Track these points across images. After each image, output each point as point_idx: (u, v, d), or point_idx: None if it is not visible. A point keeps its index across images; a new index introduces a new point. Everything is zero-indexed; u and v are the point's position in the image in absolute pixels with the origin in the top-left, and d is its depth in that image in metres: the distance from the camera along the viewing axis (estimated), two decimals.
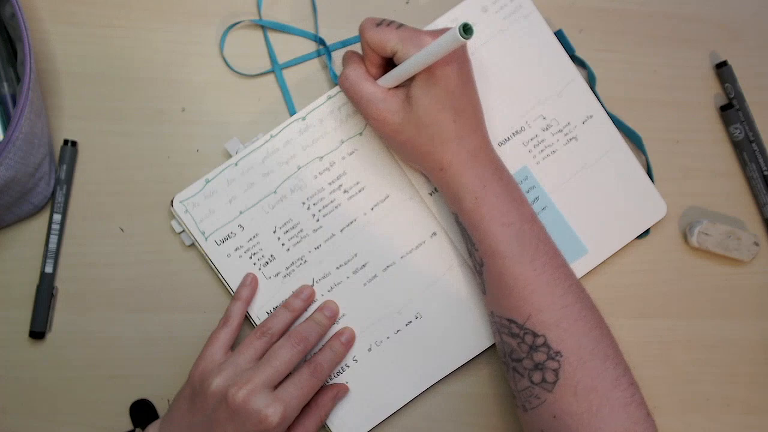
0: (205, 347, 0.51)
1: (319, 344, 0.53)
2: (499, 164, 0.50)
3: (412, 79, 0.48)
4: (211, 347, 0.51)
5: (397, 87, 0.49)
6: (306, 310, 0.54)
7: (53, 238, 0.54)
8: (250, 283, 0.54)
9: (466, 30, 0.41)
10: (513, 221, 0.48)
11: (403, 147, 0.50)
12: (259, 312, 0.54)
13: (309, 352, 0.53)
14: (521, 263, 0.47)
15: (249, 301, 0.53)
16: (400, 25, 0.48)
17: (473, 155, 0.49)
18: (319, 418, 0.52)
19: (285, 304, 0.53)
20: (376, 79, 0.50)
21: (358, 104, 0.50)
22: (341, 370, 0.55)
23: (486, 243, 0.48)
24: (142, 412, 0.54)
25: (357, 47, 0.58)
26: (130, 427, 0.54)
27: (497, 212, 0.48)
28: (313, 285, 0.55)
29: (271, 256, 0.54)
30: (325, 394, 0.53)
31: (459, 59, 0.48)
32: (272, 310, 0.54)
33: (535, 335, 0.47)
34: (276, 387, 0.48)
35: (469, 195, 0.49)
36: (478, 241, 0.49)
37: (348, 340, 0.54)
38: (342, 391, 0.54)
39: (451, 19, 0.57)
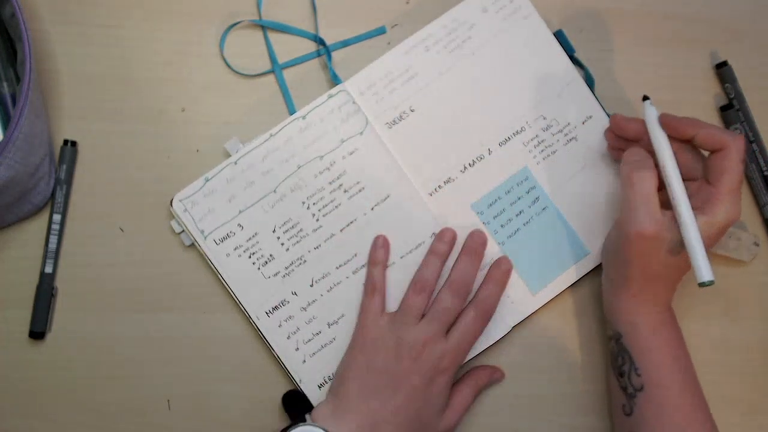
0: (361, 317, 0.53)
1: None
2: (674, 313, 0.54)
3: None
4: (370, 314, 0.53)
5: (663, 214, 0.49)
6: (451, 251, 0.55)
7: (53, 238, 0.54)
8: (383, 245, 0.55)
9: (705, 284, 0.48)
10: (682, 355, 0.52)
11: (629, 262, 0.51)
12: (258, 312, 0.54)
13: None
14: (684, 396, 0.51)
15: (386, 262, 0.54)
16: (741, 180, 0.49)
17: (667, 301, 0.53)
18: (476, 388, 0.54)
19: (432, 250, 0.54)
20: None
21: (632, 210, 0.49)
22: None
23: (656, 372, 0.50)
24: (295, 403, 0.54)
25: (357, 48, 0.58)
26: (131, 425, 0.54)
27: (671, 346, 0.51)
28: (312, 285, 0.55)
29: (271, 255, 0.54)
30: (485, 369, 0.55)
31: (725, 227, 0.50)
32: (271, 310, 0.54)
33: None
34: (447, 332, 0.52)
35: (649, 326, 0.51)
36: (645, 368, 0.51)
37: (507, 270, 0.55)
38: (499, 375, 0.56)
39: (451, 19, 0.57)
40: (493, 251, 0.56)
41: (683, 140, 0.51)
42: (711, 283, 0.47)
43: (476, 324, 0.52)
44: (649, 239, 0.49)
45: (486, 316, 0.53)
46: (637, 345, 0.51)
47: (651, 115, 0.52)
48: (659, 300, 0.52)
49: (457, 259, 0.54)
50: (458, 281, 0.53)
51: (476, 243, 0.55)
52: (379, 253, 0.54)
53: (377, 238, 0.55)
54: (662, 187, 0.50)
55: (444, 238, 0.55)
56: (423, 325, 0.51)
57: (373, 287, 0.53)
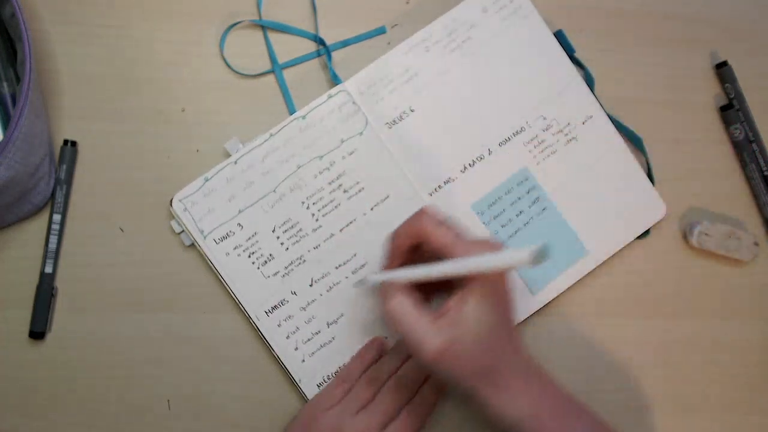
0: (316, 397, 0.53)
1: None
2: (544, 375, 0.48)
3: (456, 296, 0.45)
4: (323, 398, 0.52)
5: (441, 311, 0.45)
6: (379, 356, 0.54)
7: (53, 238, 0.54)
8: (378, 347, 0.54)
9: (537, 257, 0.38)
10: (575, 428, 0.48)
11: (453, 377, 0.46)
12: (258, 311, 0.54)
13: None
14: None
15: (371, 364, 0.53)
16: (458, 233, 0.46)
17: (521, 373, 0.47)
18: None
19: (394, 349, 0.53)
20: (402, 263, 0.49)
21: (406, 343, 0.46)
22: (339, 371, 0.55)
23: None
24: None
25: (357, 48, 0.58)
26: (131, 425, 0.54)
27: (557, 424, 0.47)
28: (312, 285, 0.55)
29: (270, 255, 0.54)
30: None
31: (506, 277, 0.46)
32: (271, 310, 0.54)
33: None
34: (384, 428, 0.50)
35: (527, 418, 0.45)
36: None
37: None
38: None
39: (451, 19, 0.57)
40: None
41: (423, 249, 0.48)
42: (544, 252, 0.38)
43: (407, 429, 0.51)
44: (440, 353, 0.44)
45: (419, 420, 0.51)
46: None
47: (371, 278, 0.51)
48: (514, 386, 0.46)
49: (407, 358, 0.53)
50: (399, 383, 0.51)
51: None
52: (369, 354, 0.54)
53: (374, 339, 0.54)
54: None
55: (372, 345, 0.54)
56: (361, 416, 0.50)
57: (344, 379, 0.53)
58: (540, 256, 0.38)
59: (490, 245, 0.45)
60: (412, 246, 0.49)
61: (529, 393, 0.46)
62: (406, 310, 0.46)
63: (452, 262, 0.44)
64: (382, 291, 0.47)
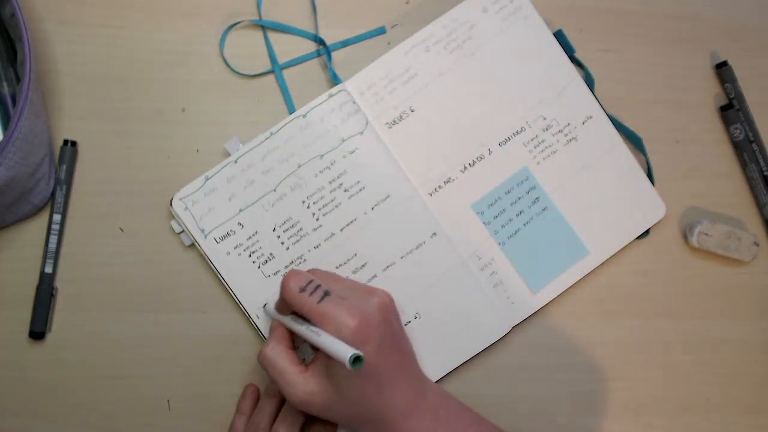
0: None
1: None
2: (436, 404, 0.49)
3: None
4: None
5: (313, 361, 0.48)
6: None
7: (53, 238, 0.54)
8: (250, 395, 0.54)
9: (355, 362, 0.41)
10: None
11: (333, 420, 0.49)
12: (258, 311, 0.54)
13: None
14: None
15: (250, 413, 0.53)
16: (324, 296, 0.46)
17: (405, 414, 0.47)
18: None
19: (266, 390, 0.53)
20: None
21: (278, 385, 0.48)
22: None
23: None
24: None
25: (357, 48, 0.59)
26: (131, 425, 0.54)
27: None
28: None
29: (271, 254, 0.54)
30: None
31: (377, 335, 0.46)
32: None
33: None
34: None
35: None
36: None
37: None
38: None
39: (451, 19, 0.57)
40: (493, 251, 0.56)
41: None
42: (357, 359, 0.41)
43: None
44: (309, 400, 0.47)
45: None
46: None
47: (269, 310, 0.52)
48: (400, 427, 0.47)
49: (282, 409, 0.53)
50: (287, 425, 0.51)
51: None
52: (245, 404, 0.54)
53: (247, 387, 0.54)
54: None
55: (246, 393, 0.54)
56: None
57: (243, 410, 0.53)
58: (356, 363, 0.41)
59: (341, 316, 0.45)
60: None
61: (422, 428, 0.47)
62: (278, 357, 0.48)
63: (307, 331, 0.46)
64: (265, 346, 0.49)
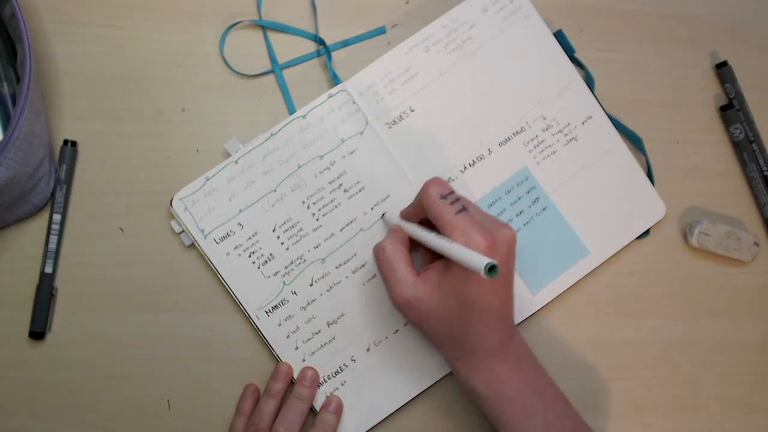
0: None
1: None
2: (521, 351, 0.51)
3: (444, 260, 0.48)
4: None
5: (426, 270, 0.49)
6: (287, 388, 0.54)
7: (53, 238, 0.54)
8: (251, 395, 0.54)
9: (491, 271, 0.41)
10: (537, 411, 0.49)
11: (422, 331, 0.50)
12: (258, 311, 0.54)
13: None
14: None
15: (250, 414, 0.53)
16: (462, 210, 0.47)
17: (494, 350, 0.49)
18: None
19: (266, 390, 0.53)
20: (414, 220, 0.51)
21: (386, 282, 0.49)
22: (339, 370, 0.55)
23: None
24: None
25: (357, 48, 0.59)
26: (131, 425, 0.54)
27: (520, 406, 0.49)
28: (312, 284, 0.55)
29: (270, 254, 0.54)
30: None
31: (508, 251, 0.47)
32: (271, 310, 0.54)
33: None
34: None
35: (489, 390, 0.49)
36: (500, 427, 0.49)
37: (337, 409, 0.54)
38: None
39: (451, 19, 0.57)
40: None
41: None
42: (493, 267, 0.41)
43: None
44: (414, 303, 0.48)
45: None
46: (485, 411, 0.50)
47: (390, 218, 0.55)
48: (484, 355, 0.49)
49: (288, 401, 0.53)
50: (286, 423, 0.52)
51: (305, 387, 0.53)
52: (245, 404, 0.54)
53: (247, 387, 0.54)
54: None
55: (279, 377, 0.54)
56: None
57: (243, 410, 0.53)
58: (491, 272, 0.41)
59: (474, 233, 0.45)
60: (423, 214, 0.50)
61: (486, 374, 0.49)
62: (396, 255, 0.49)
63: (437, 238, 0.47)
64: (386, 240, 0.50)
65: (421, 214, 0.50)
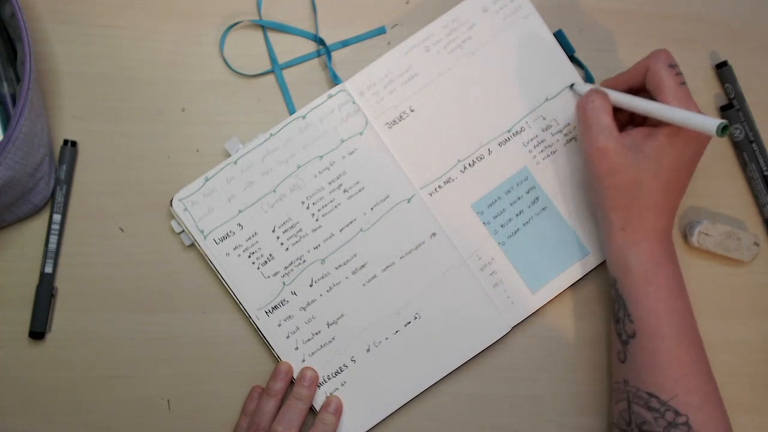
0: None
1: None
2: (673, 249, 0.52)
3: (647, 128, 0.50)
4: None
5: (628, 132, 0.51)
6: (287, 388, 0.54)
7: (53, 238, 0.54)
8: (284, 376, 0.54)
9: (723, 131, 0.44)
10: (678, 307, 0.50)
11: (603, 188, 0.51)
12: (258, 311, 0.54)
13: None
14: (679, 347, 0.49)
15: (282, 394, 0.54)
16: (683, 83, 0.50)
17: (660, 232, 0.50)
18: None
19: (266, 390, 0.53)
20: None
21: (587, 130, 0.51)
22: (339, 371, 0.55)
23: (647, 320, 0.49)
24: None
25: (357, 48, 0.58)
26: (131, 425, 0.54)
27: (666, 294, 0.50)
28: (312, 285, 0.55)
29: (270, 255, 0.54)
30: None
31: (704, 142, 0.50)
32: (271, 310, 0.54)
33: (677, 414, 0.48)
34: None
35: (641, 268, 0.50)
36: (638, 316, 0.50)
37: (336, 409, 0.54)
38: None
39: (451, 19, 0.57)
40: (493, 251, 0.56)
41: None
42: (725, 127, 0.44)
43: None
44: (611, 154, 0.49)
45: None
46: (629, 292, 0.50)
47: (583, 88, 0.56)
48: (650, 233, 0.50)
49: (287, 401, 0.53)
50: (285, 422, 0.52)
51: (304, 387, 0.54)
52: (251, 404, 0.54)
53: (253, 389, 0.54)
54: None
55: (279, 376, 0.54)
56: None
57: (248, 411, 0.54)
58: (724, 131, 0.44)
59: (695, 107, 0.48)
60: (637, 81, 0.52)
61: (645, 252, 0.50)
62: (603, 108, 0.51)
63: (658, 105, 0.49)
64: (592, 92, 0.52)
65: (631, 82, 0.52)
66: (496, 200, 0.57)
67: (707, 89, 0.62)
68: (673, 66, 0.50)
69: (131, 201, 0.55)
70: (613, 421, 0.52)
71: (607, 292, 0.58)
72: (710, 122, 0.45)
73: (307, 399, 0.53)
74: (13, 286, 0.54)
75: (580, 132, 0.52)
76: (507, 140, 0.57)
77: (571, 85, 0.57)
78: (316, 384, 0.54)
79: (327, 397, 0.54)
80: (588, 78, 0.59)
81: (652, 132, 0.50)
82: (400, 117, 0.56)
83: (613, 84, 0.54)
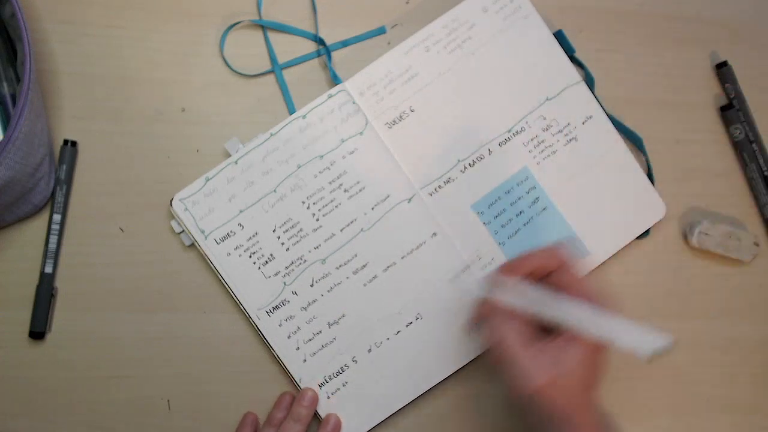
0: None
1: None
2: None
3: (560, 341, 0.46)
4: None
5: (539, 350, 0.46)
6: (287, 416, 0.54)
7: (53, 238, 0.54)
8: (309, 402, 0.54)
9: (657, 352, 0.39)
10: None
11: (549, 404, 0.46)
12: (258, 312, 0.54)
13: None
14: None
15: (309, 418, 0.54)
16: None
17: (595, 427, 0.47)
18: None
19: (268, 419, 0.54)
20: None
21: (510, 374, 0.46)
22: (341, 371, 0.55)
23: None
24: None
25: (357, 48, 0.58)
26: (131, 425, 0.54)
27: None
28: (312, 285, 0.55)
29: (271, 255, 0.54)
30: None
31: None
32: (272, 310, 0.54)
33: None
34: None
35: None
36: None
37: (334, 428, 0.54)
38: None
39: (451, 19, 0.57)
40: (493, 251, 0.56)
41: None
42: (663, 350, 0.40)
43: None
44: (548, 388, 0.45)
45: None
46: None
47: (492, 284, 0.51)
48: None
49: (284, 423, 0.53)
50: None
51: (303, 407, 0.54)
52: (303, 410, 0.53)
53: (246, 416, 0.54)
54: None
55: (281, 405, 0.54)
56: None
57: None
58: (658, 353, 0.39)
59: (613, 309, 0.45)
60: (533, 273, 0.49)
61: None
62: (515, 339, 0.46)
63: (600, 319, 0.44)
64: (491, 307, 0.48)
65: (535, 274, 0.48)
66: (496, 200, 0.57)
67: (707, 89, 0.62)
68: (570, 265, 0.47)
69: (131, 201, 0.55)
70: None
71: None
72: (651, 341, 0.39)
73: (305, 419, 0.53)
74: (13, 286, 0.54)
75: (506, 371, 0.47)
76: (507, 140, 0.57)
77: (452, 278, 0.54)
78: (315, 405, 0.54)
79: (326, 416, 0.54)
80: (588, 78, 0.59)
81: (570, 339, 0.46)
82: (400, 117, 0.56)
83: (514, 269, 0.49)
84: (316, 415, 0.54)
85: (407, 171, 0.56)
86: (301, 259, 0.55)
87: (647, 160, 0.59)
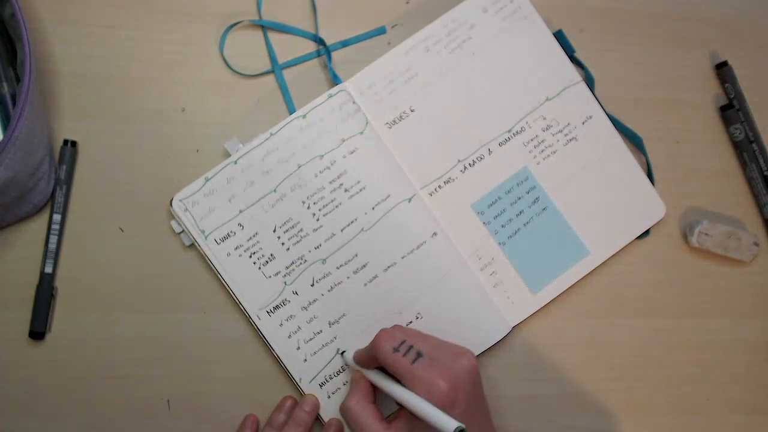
0: None
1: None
2: None
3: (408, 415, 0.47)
4: None
5: (397, 418, 0.47)
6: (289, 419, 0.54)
7: (53, 238, 0.54)
8: (249, 425, 0.54)
9: None
10: None
11: None
12: (259, 311, 0.54)
13: None
14: None
15: None
16: (417, 357, 0.46)
17: None
18: None
19: (269, 423, 0.54)
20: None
21: None
22: (341, 370, 0.55)
23: None
24: None
25: (357, 48, 0.58)
26: (131, 425, 0.54)
27: None
28: (313, 285, 0.55)
29: (271, 255, 0.54)
30: None
31: (465, 398, 0.46)
32: (272, 310, 0.54)
33: None
34: None
35: None
36: None
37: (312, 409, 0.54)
38: None
39: (451, 19, 0.57)
40: (493, 251, 0.56)
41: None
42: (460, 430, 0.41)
43: None
44: None
45: None
46: None
47: (349, 359, 0.53)
48: None
49: (285, 427, 0.53)
50: None
51: (305, 412, 0.54)
52: (305, 415, 0.53)
53: (247, 418, 0.54)
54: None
55: (283, 408, 0.54)
56: None
57: None
58: None
59: (434, 379, 0.45)
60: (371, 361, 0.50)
61: None
62: (363, 412, 0.48)
63: (400, 391, 0.46)
64: (351, 383, 0.50)
65: (376, 361, 0.49)
66: (496, 200, 0.57)
67: (707, 89, 0.62)
68: (397, 348, 0.47)
69: (131, 201, 0.55)
70: None
71: (607, 293, 0.58)
72: (447, 425, 0.41)
73: (306, 424, 0.53)
74: (13, 286, 0.54)
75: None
76: (507, 140, 0.57)
77: (342, 353, 0.55)
78: (317, 411, 0.54)
79: (328, 420, 0.54)
80: (588, 78, 0.59)
81: (406, 415, 0.47)
82: (400, 117, 0.56)
83: (367, 360, 0.51)
84: (318, 418, 0.54)
85: (407, 171, 0.56)
86: (302, 258, 0.55)
87: (647, 160, 0.60)
